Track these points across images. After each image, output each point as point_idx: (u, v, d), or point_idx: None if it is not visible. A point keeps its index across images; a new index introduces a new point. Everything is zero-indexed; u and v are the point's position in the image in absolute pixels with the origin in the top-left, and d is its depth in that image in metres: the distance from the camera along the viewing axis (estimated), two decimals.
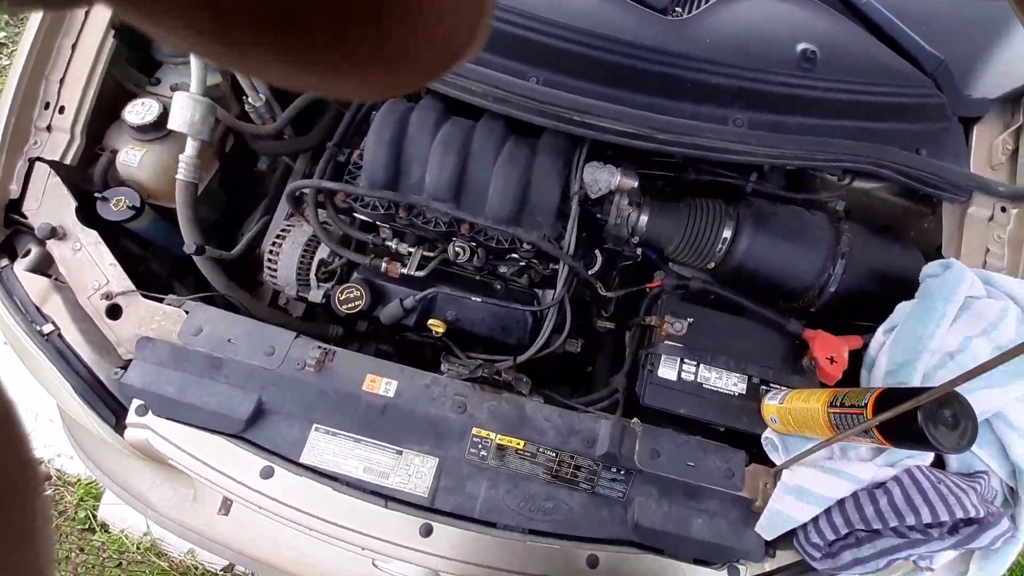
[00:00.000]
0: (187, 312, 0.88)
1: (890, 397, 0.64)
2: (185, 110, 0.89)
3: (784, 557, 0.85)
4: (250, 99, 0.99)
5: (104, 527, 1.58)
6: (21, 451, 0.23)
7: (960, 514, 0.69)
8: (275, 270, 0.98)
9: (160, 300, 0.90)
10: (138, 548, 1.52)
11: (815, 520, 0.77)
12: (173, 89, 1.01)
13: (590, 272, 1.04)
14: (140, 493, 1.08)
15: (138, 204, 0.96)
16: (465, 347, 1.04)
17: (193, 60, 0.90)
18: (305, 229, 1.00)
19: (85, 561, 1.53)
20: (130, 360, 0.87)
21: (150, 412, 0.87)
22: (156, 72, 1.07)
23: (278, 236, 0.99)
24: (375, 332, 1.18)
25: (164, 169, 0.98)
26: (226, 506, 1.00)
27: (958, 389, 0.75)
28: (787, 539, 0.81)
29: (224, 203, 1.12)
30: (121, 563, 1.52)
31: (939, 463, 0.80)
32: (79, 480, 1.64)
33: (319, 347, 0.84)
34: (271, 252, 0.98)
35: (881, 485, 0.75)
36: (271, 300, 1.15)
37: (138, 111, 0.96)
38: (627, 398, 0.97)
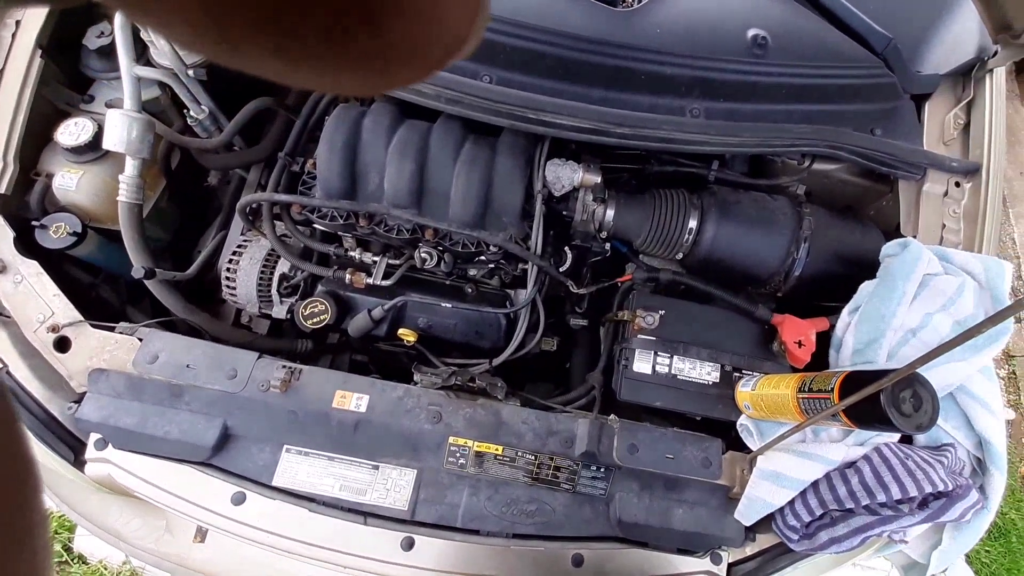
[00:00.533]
0: (141, 340, 0.84)
1: (854, 381, 0.65)
2: (120, 128, 0.84)
3: (764, 540, 0.86)
4: (192, 112, 0.94)
5: (81, 558, 1.53)
6: (20, 450, 0.23)
7: (929, 488, 0.71)
8: (234, 288, 0.95)
9: (111, 329, 0.85)
10: None
11: (791, 503, 0.78)
12: (108, 106, 0.96)
13: (561, 270, 1.03)
14: (110, 527, 1.04)
15: (79, 229, 0.91)
16: (441, 353, 1.02)
17: (124, 75, 0.85)
18: (263, 244, 0.96)
19: None
20: (84, 394, 0.83)
21: (110, 446, 0.84)
22: (89, 89, 1.01)
23: (235, 253, 0.95)
24: (348, 343, 1.15)
25: (105, 191, 0.93)
26: (202, 533, 0.97)
27: (921, 367, 0.77)
28: (766, 523, 0.83)
29: (176, 222, 1.08)
30: None
31: (908, 438, 0.82)
32: (50, 512, 1.58)
33: (283, 366, 0.82)
34: (228, 270, 0.94)
35: (852, 464, 0.77)
36: (235, 319, 1.11)
37: (71, 132, 0.91)
38: (604, 394, 0.97)
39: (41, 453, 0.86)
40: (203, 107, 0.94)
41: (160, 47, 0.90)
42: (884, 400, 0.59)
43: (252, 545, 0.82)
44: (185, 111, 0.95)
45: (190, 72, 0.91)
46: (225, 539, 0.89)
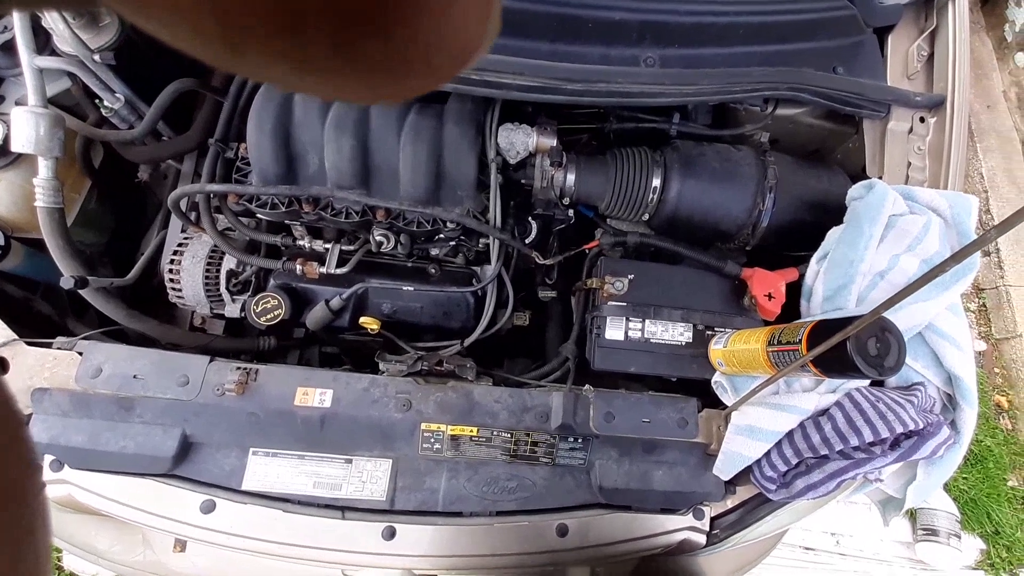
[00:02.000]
0: (81, 353, 0.79)
1: (822, 330, 0.64)
2: (27, 127, 0.76)
3: (744, 492, 0.87)
4: (106, 101, 0.85)
5: None
6: (23, 451, 0.23)
7: (900, 428, 0.71)
8: (180, 290, 0.89)
9: (48, 345, 0.80)
10: None
11: (767, 455, 0.79)
12: (18, 104, 0.86)
13: (527, 241, 0.99)
14: (88, 545, 1.02)
15: (2, 242, 0.83)
16: (413, 338, 0.99)
17: (25, 67, 0.77)
18: (205, 240, 0.90)
19: None
20: (30, 415, 0.78)
21: (65, 466, 0.79)
22: None
23: (175, 252, 0.89)
24: (315, 336, 1.11)
25: (24, 197, 0.85)
26: (181, 544, 0.95)
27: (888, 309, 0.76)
28: (744, 476, 0.83)
29: (110, 224, 1.00)
30: None
31: (879, 380, 0.82)
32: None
33: (238, 368, 0.78)
34: (171, 271, 0.88)
35: (825, 412, 0.76)
36: (191, 322, 1.06)
37: None
38: (580, 364, 0.95)
39: None
40: (117, 95, 0.86)
41: (60, 32, 0.80)
42: (851, 348, 0.57)
43: (231, 551, 0.80)
44: (98, 101, 0.86)
45: (96, 57, 0.82)
46: (204, 547, 0.87)
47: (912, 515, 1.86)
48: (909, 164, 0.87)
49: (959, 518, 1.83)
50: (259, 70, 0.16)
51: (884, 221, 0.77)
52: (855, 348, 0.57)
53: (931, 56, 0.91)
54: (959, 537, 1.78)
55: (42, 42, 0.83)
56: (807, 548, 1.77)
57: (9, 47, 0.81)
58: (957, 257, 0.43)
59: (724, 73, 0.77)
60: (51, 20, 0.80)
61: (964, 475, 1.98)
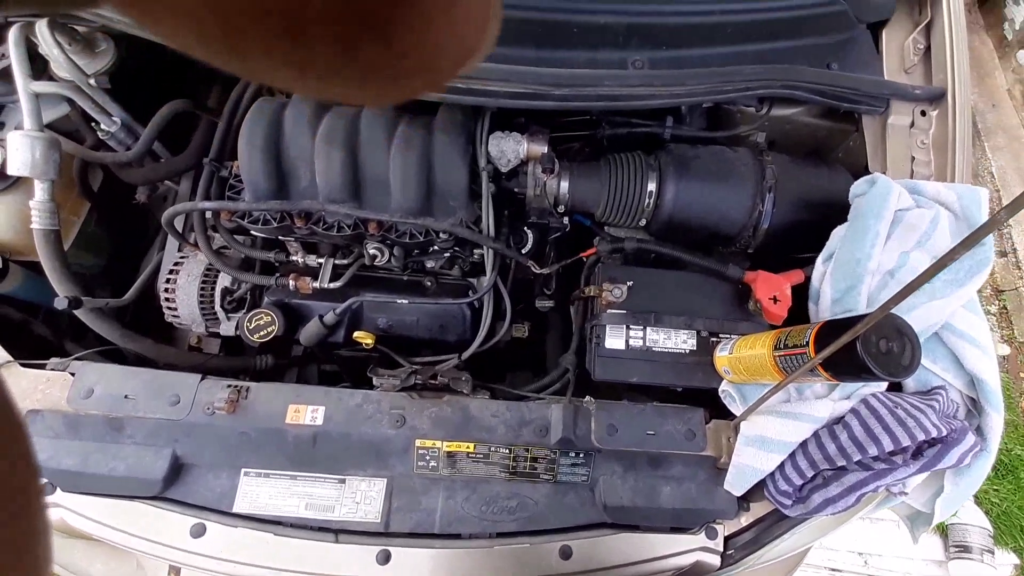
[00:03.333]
0: (73, 375, 0.78)
1: (829, 331, 0.60)
2: (23, 151, 0.77)
3: (759, 509, 0.82)
4: (103, 125, 0.87)
5: None
6: (23, 453, 0.22)
7: (921, 436, 0.67)
8: (175, 309, 0.89)
9: (42, 366, 0.79)
10: None
11: (781, 467, 0.74)
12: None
13: (523, 251, 0.98)
14: (83, 571, 0.99)
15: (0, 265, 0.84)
16: (411, 352, 0.97)
17: (21, 93, 0.79)
18: (200, 259, 0.90)
19: None
20: None
21: (58, 489, 0.78)
22: None
23: (171, 271, 0.89)
24: (313, 354, 1.10)
25: (22, 221, 0.86)
26: (175, 571, 0.92)
27: (901, 307, 0.72)
28: (758, 491, 0.78)
29: (109, 246, 1.01)
30: None
31: (896, 385, 0.78)
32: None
33: (229, 386, 0.76)
34: (166, 290, 0.88)
35: (840, 420, 0.72)
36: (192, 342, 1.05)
37: None
38: (580, 375, 0.92)
39: None
40: (114, 119, 0.87)
41: (55, 58, 0.82)
42: (860, 347, 0.54)
43: None
44: (95, 125, 0.88)
45: (92, 81, 0.84)
46: (197, 573, 0.84)
47: (943, 531, 1.76)
48: (913, 159, 0.84)
49: (992, 532, 1.72)
50: (262, 72, 0.16)
51: (890, 216, 0.74)
52: (865, 348, 0.54)
53: (928, 49, 0.89)
54: (992, 553, 1.68)
55: (40, 68, 0.85)
56: (833, 569, 1.68)
57: (5, 73, 0.83)
58: (967, 243, 0.41)
59: (715, 72, 0.76)
60: (47, 47, 0.82)
61: (995, 487, 1.87)
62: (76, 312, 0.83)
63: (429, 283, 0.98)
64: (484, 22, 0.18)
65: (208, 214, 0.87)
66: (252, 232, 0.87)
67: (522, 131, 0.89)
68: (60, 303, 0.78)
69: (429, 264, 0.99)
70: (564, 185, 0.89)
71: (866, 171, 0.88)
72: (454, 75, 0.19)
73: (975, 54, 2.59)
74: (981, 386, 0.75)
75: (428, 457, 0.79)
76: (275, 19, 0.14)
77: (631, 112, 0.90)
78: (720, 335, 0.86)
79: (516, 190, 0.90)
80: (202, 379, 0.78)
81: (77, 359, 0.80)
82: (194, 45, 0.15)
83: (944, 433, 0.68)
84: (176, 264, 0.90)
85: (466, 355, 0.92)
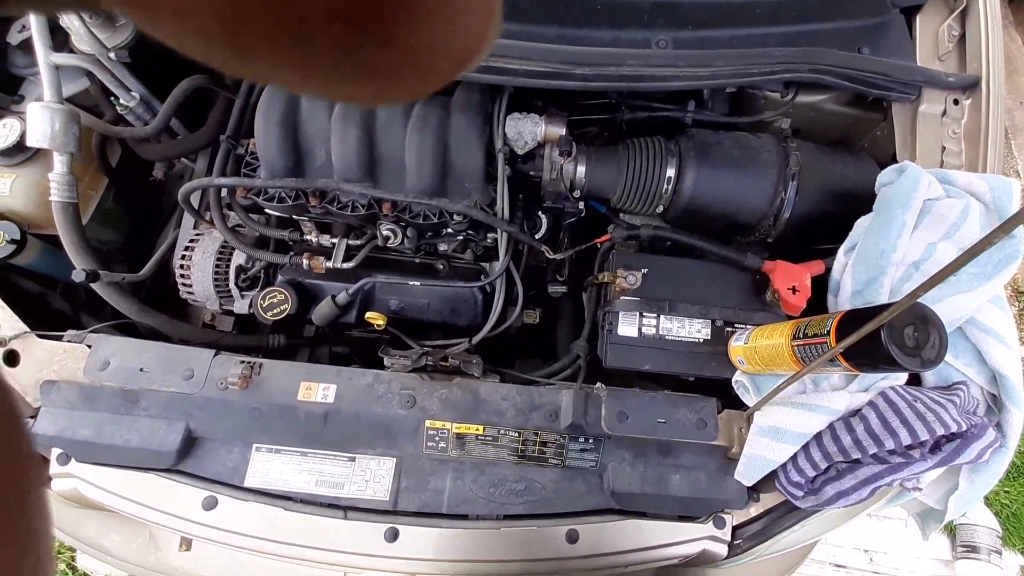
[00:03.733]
0: (90, 347, 0.79)
1: (852, 320, 0.59)
2: (43, 122, 0.77)
3: (768, 499, 0.82)
4: (122, 99, 0.87)
5: None
6: (22, 446, 0.22)
7: (940, 431, 0.65)
8: (190, 285, 0.89)
9: (59, 338, 0.80)
10: None
11: (794, 458, 0.73)
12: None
13: (537, 236, 0.97)
14: (95, 542, 1.01)
15: (18, 236, 0.85)
16: (421, 335, 0.97)
17: (41, 65, 0.79)
18: (215, 236, 0.91)
19: None
20: (39, 408, 0.79)
21: (72, 460, 0.79)
22: (19, 88, 0.95)
23: (186, 248, 0.89)
24: (325, 335, 1.10)
25: (40, 193, 0.87)
26: (187, 542, 0.94)
27: (925, 300, 0.70)
28: (769, 482, 0.78)
29: (127, 222, 1.01)
30: None
31: (915, 380, 0.76)
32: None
33: (242, 361, 0.77)
34: (182, 267, 0.89)
35: (857, 412, 0.71)
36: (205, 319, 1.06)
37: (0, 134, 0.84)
38: (591, 362, 0.92)
39: None
40: (133, 93, 0.87)
41: (76, 31, 0.82)
42: (885, 337, 0.53)
43: (232, 549, 0.79)
44: (114, 99, 0.88)
45: (112, 55, 0.83)
46: (209, 546, 0.86)
47: (951, 531, 1.74)
48: (944, 149, 0.81)
49: (1000, 533, 1.70)
50: (266, 75, 0.17)
51: (918, 206, 0.71)
52: (890, 337, 0.53)
53: (963, 36, 0.86)
54: (1000, 554, 1.66)
55: (60, 41, 0.85)
56: (838, 565, 1.67)
57: (27, 46, 0.83)
58: (1000, 231, 0.39)
59: (741, 54, 0.74)
60: (68, 19, 0.82)
61: (1006, 488, 1.85)
62: (93, 286, 0.84)
63: (442, 266, 0.98)
64: (486, 22, 0.18)
65: (224, 191, 0.87)
66: (267, 210, 0.86)
67: (540, 113, 0.88)
68: (78, 275, 0.79)
69: (442, 247, 0.98)
70: (581, 169, 0.88)
71: (893, 161, 0.86)
72: (456, 75, 0.19)
73: (1005, 51, 2.50)
74: (1003, 382, 0.73)
75: (437, 438, 0.79)
76: (277, 20, 0.14)
77: (652, 95, 0.88)
78: (735, 325, 0.85)
79: (532, 173, 0.89)
80: (216, 354, 0.78)
81: (94, 331, 0.81)
82: (195, 46, 0.15)
83: (964, 428, 0.66)
84: (192, 241, 0.90)
85: (477, 339, 0.91)
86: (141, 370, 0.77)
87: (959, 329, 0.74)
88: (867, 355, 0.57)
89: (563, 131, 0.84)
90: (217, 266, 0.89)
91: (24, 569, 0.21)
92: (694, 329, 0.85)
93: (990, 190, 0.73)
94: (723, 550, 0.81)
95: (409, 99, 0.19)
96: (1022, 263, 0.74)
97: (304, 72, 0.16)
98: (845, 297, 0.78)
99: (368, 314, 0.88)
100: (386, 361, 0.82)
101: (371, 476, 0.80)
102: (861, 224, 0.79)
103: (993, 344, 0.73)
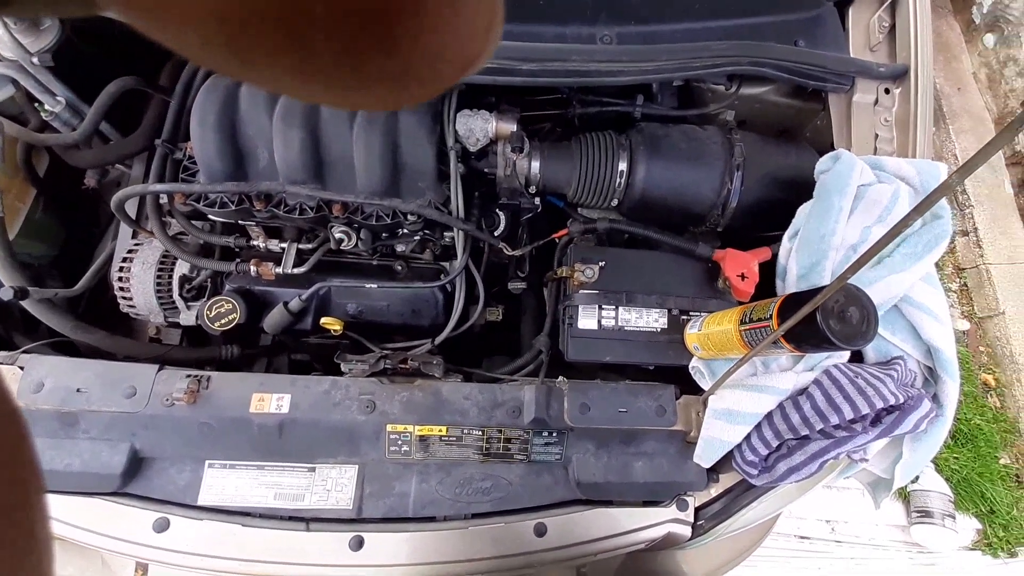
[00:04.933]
0: (22, 368, 0.74)
1: (791, 303, 0.61)
2: None
3: (727, 480, 0.84)
4: (47, 105, 0.81)
5: None
6: (22, 452, 0.22)
7: (880, 404, 0.69)
8: (130, 298, 0.85)
9: None
10: None
11: (747, 439, 0.76)
12: None
13: (496, 233, 0.96)
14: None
15: None
16: (384, 338, 0.95)
17: None
18: (156, 246, 0.86)
19: None
20: None
21: None
22: None
23: (124, 260, 0.85)
24: (283, 343, 1.07)
25: None
26: (142, 567, 0.90)
27: (861, 281, 0.74)
28: (727, 462, 0.80)
29: (60, 234, 0.96)
30: None
31: (858, 357, 0.80)
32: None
33: (188, 375, 0.73)
34: (120, 279, 0.84)
35: (804, 391, 0.74)
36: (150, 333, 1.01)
37: None
38: (554, 357, 0.92)
39: None
40: (58, 98, 0.82)
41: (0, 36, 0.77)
42: (820, 318, 0.55)
43: (189, 571, 0.76)
44: (38, 105, 0.82)
45: (35, 59, 0.78)
46: (168, 569, 0.82)
47: (905, 497, 1.85)
48: (876, 136, 0.85)
49: (952, 498, 1.81)
50: (265, 79, 0.17)
51: (853, 192, 0.75)
52: (824, 318, 0.55)
53: (892, 27, 0.90)
54: (954, 518, 1.77)
55: None
56: (802, 537, 1.75)
57: None
58: (920, 208, 0.41)
59: (683, 48, 0.75)
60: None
61: (955, 455, 1.97)
62: (24, 303, 0.79)
63: (400, 267, 0.96)
64: (487, 28, 0.18)
65: (162, 198, 0.83)
66: (210, 216, 0.83)
67: (491, 110, 0.87)
68: (5, 293, 0.74)
69: (399, 248, 0.97)
70: (535, 165, 0.88)
71: (832, 149, 0.90)
72: (456, 80, 0.19)
73: (942, 38, 2.65)
74: (937, 355, 0.77)
75: (400, 442, 0.78)
76: (279, 27, 0.14)
77: (601, 90, 0.89)
78: (690, 313, 0.87)
79: (486, 170, 0.88)
80: (159, 370, 0.75)
81: (25, 352, 0.76)
82: (198, 51, 0.15)
83: (902, 400, 0.70)
84: (130, 252, 0.86)
85: (439, 340, 0.90)
86: (78, 390, 0.73)
87: (895, 307, 0.78)
88: (806, 336, 0.59)
89: (515, 127, 0.84)
90: (159, 277, 0.85)
91: (25, 570, 0.21)
92: (652, 319, 0.87)
93: (918, 174, 0.77)
94: (687, 531, 0.83)
95: (411, 103, 0.20)
96: (955, 246, 0.79)
97: (305, 78, 0.16)
98: (791, 281, 0.81)
99: (323, 320, 0.86)
100: (343, 367, 0.80)
101: (332, 485, 0.78)
102: (803, 210, 0.82)
103: (927, 320, 0.77)
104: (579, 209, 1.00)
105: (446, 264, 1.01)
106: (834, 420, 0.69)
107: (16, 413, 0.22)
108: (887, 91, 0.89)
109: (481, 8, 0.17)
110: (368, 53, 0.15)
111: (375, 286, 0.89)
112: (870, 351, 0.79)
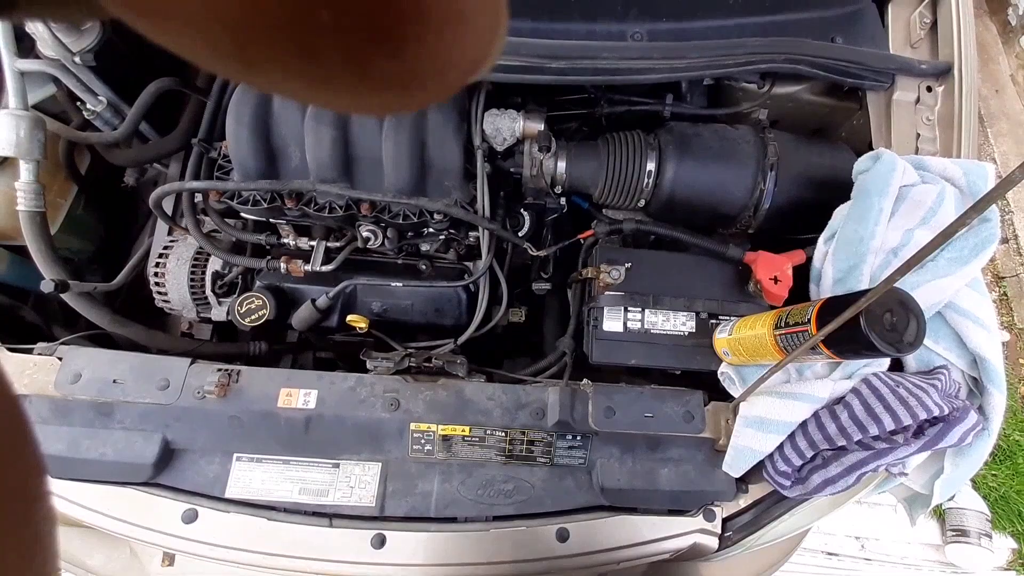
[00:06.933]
0: (61, 359, 0.77)
1: (832, 307, 0.59)
2: (7, 130, 0.75)
3: (757, 490, 0.82)
4: (89, 104, 0.85)
5: None
6: (27, 453, 0.22)
7: (923, 415, 0.66)
8: (165, 294, 0.87)
9: (29, 351, 0.78)
10: None
11: (780, 448, 0.73)
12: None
13: (520, 234, 0.96)
14: (77, 560, 0.99)
15: None
16: (407, 337, 0.95)
17: (6, 71, 0.76)
18: (190, 242, 0.88)
19: None
20: None
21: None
22: None
23: (160, 255, 0.87)
24: (308, 340, 1.08)
25: (7, 203, 0.84)
26: (169, 557, 0.92)
27: (904, 286, 0.71)
28: (757, 472, 0.77)
29: (98, 231, 0.99)
30: None
31: (897, 365, 0.77)
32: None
33: (219, 369, 0.75)
34: (156, 274, 0.87)
35: (841, 400, 0.71)
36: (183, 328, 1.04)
37: None
38: (578, 359, 0.91)
39: None
40: (100, 98, 0.85)
41: (41, 36, 0.80)
42: (864, 323, 0.52)
43: (215, 563, 0.77)
44: (80, 104, 0.85)
45: (77, 59, 0.81)
46: (192, 561, 0.84)
47: (940, 516, 1.76)
48: (918, 135, 0.82)
49: (989, 517, 1.73)
50: (271, 83, 0.17)
51: (894, 193, 0.72)
52: (868, 323, 0.53)
53: (934, 23, 0.87)
54: (990, 537, 1.68)
55: (27, 47, 0.83)
56: (830, 553, 1.68)
57: None
58: (974, 210, 0.39)
59: (716, 45, 0.74)
60: (33, 25, 0.80)
61: (993, 471, 1.88)
62: (64, 296, 0.82)
63: (424, 266, 0.97)
64: (493, 32, 0.18)
65: (197, 196, 0.85)
66: (242, 214, 0.85)
67: (519, 109, 0.87)
68: (46, 286, 0.77)
69: (424, 247, 0.97)
70: (561, 165, 0.88)
71: (870, 149, 0.86)
72: (464, 84, 0.19)
73: (978, 39, 2.55)
74: (984, 365, 0.73)
75: (423, 441, 0.78)
76: (285, 32, 0.14)
77: (630, 89, 0.88)
78: (719, 317, 0.85)
79: (512, 170, 0.88)
80: (192, 363, 0.76)
81: (64, 343, 0.78)
82: (203, 55, 0.15)
83: (946, 412, 0.67)
84: (165, 248, 0.88)
85: (462, 339, 0.90)
86: (114, 382, 0.75)
87: (939, 314, 0.75)
88: (847, 342, 0.57)
89: (542, 127, 0.83)
90: (192, 273, 0.87)
91: (30, 572, 0.21)
92: (679, 322, 0.85)
93: (964, 174, 0.73)
94: (714, 543, 0.81)
95: (417, 108, 0.20)
96: (994, 254, 0.75)
97: (311, 83, 0.16)
98: (827, 285, 0.78)
99: (349, 317, 0.87)
100: (368, 364, 0.81)
101: (356, 482, 0.78)
102: (840, 212, 0.79)
103: (973, 328, 0.74)
104: (604, 210, 0.99)
105: (470, 264, 1.01)
106: (873, 431, 0.66)
107: (23, 416, 0.22)
108: (929, 89, 0.85)
109: (486, 11, 0.17)
110: (374, 58, 0.15)
111: (400, 285, 0.90)
112: (911, 360, 0.76)
